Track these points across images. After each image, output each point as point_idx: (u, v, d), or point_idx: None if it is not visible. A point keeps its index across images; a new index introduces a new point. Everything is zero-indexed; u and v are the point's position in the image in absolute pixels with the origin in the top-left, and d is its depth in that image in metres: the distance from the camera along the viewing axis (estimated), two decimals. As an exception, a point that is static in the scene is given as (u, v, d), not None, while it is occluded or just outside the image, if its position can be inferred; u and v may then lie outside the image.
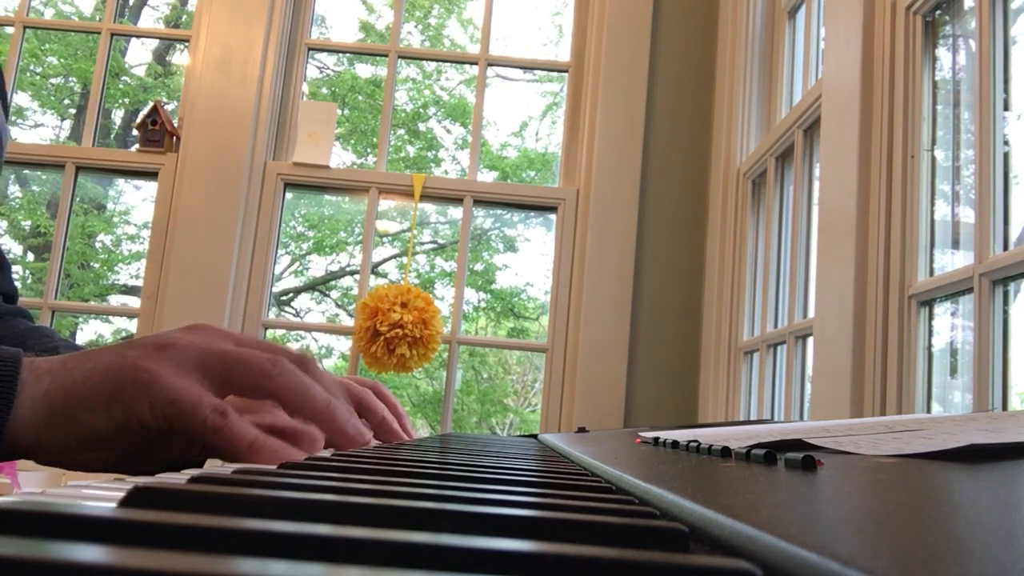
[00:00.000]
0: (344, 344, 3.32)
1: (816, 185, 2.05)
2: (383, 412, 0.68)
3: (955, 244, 1.55)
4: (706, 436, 0.61)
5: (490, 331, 5.48)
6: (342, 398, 0.50)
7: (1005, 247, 1.36)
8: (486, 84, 3.07)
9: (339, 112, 4.64)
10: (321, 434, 0.47)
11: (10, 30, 3.11)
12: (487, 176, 5.12)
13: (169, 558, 0.13)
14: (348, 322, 4.38)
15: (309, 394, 0.46)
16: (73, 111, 5.28)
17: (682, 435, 0.66)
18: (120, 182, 5.08)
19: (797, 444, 0.48)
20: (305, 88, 3.06)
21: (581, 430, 1.50)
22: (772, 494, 0.26)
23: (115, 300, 5.47)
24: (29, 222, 5.29)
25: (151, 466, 0.55)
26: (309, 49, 3.07)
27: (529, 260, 5.10)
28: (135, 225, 5.26)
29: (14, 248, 5.27)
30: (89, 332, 4.93)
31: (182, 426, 0.42)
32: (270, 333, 2.96)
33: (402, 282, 2.82)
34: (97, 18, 3.45)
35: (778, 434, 0.54)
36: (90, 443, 0.43)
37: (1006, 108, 1.41)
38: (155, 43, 5.31)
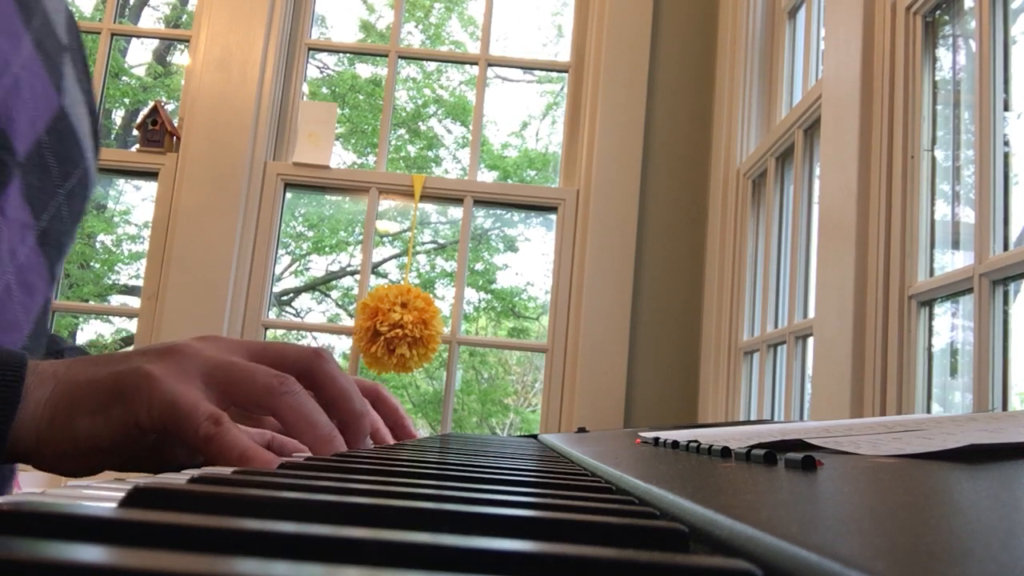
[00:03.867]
0: (344, 344, 3.32)
1: (816, 185, 2.05)
2: (399, 408, 0.68)
3: (955, 244, 1.55)
4: (706, 436, 0.61)
5: (490, 331, 5.48)
6: (358, 398, 0.50)
7: (1005, 247, 1.36)
8: (486, 84, 3.07)
9: (339, 112, 4.64)
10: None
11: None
12: (487, 176, 5.12)
13: (169, 558, 0.13)
14: (348, 322, 4.38)
15: (312, 419, 0.45)
16: (73, 111, 5.28)
17: (682, 435, 0.66)
18: (120, 182, 5.08)
19: (797, 444, 0.48)
20: (305, 88, 3.06)
21: (581, 430, 1.50)
22: (772, 494, 0.26)
23: (115, 300, 5.47)
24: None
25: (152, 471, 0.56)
26: (309, 49, 3.07)
27: (529, 260, 5.10)
28: (135, 225, 5.26)
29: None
30: (89, 332, 4.93)
31: (177, 431, 0.42)
32: (270, 333, 2.96)
33: (402, 282, 2.82)
34: (97, 18, 3.45)
35: (778, 434, 0.54)
36: (88, 449, 0.42)
37: (1006, 108, 1.41)
38: (155, 43, 5.31)
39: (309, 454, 0.46)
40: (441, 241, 5.07)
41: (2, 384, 0.41)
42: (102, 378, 0.42)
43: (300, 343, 0.58)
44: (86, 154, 0.65)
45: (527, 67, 3.99)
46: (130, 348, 0.46)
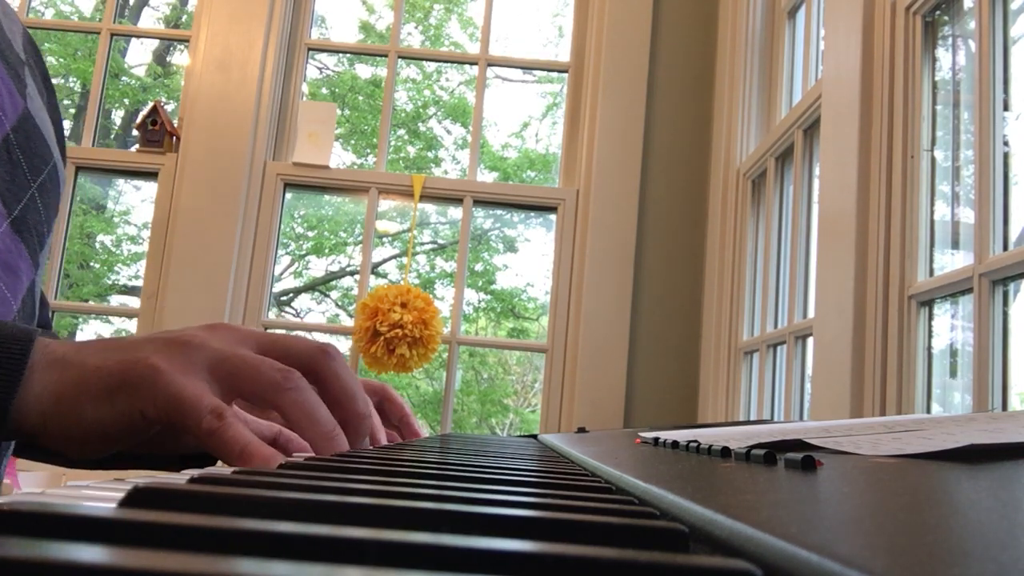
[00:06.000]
0: (344, 344, 3.32)
1: (816, 185, 2.05)
2: (405, 407, 0.69)
3: (955, 244, 1.55)
4: (706, 436, 0.61)
5: (490, 331, 5.48)
6: (362, 399, 0.50)
7: (1005, 247, 1.36)
8: (486, 84, 3.07)
9: (339, 112, 4.64)
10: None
11: (10, 30, 3.10)
12: (487, 176, 5.12)
13: (169, 558, 0.13)
14: (348, 322, 4.38)
15: (315, 416, 0.45)
16: (73, 111, 5.28)
17: (682, 435, 0.66)
18: (120, 182, 5.08)
19: (797, 444, 0.48)
20: (305, 88, 3.06)
21: (581, 430, 1.50)
22: (772, 494, 0.26)
23: (115, 300, 5.47)
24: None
25: (164, 456, 0.56)
26: (309, 49, 3.07)
27: (529, 260, 5.10)
28: (135, 225, 5.26)
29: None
30: (89, 332, 4.92)
31: (181, 424, 0.42)
32: (270, 333, 2.96)
33: (402, 282, 2.82)
34: (97, 18, 3.45)
35: (778, 434, 0.54)
36: (94, 434, 0.43)
37: (1006, 108, 1.41)
38: (155, 43, 5.31)
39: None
40: (441, 241, 5.07)
41: (8, 357, 0.41)
42: (110, 366, 0.43)
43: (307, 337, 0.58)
44: (54, 152, 0.66)
45: (527, 67, 4.00)
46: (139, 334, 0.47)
